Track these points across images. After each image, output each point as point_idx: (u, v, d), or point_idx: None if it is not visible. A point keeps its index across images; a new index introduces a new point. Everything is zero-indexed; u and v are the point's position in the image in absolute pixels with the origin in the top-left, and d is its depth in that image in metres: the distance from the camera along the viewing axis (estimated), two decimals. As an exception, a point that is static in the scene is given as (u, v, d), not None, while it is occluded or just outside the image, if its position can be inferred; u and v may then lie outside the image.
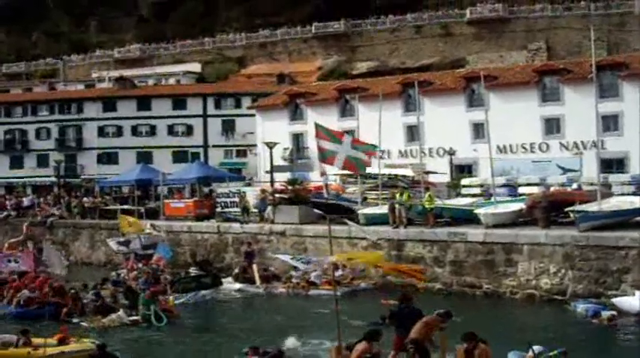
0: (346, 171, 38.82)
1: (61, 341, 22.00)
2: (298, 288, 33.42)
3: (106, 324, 26.93)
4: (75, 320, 27.51)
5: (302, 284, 33.55)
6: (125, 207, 49.41)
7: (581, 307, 26.31)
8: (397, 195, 35.23)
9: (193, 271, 36.76)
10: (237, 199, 42.52)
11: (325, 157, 23.19)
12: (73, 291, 30.19)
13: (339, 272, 33.67)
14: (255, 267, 35.95)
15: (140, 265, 36.46)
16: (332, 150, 23.07)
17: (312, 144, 61.96)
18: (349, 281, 33.24)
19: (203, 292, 33.36)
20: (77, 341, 22.29)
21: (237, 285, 34.89)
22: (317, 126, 23.42)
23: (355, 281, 33.59)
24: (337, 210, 24.77)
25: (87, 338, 22.63)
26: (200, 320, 29.24)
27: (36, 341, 22.04)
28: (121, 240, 40.00)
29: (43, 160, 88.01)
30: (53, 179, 77.08)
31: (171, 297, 29.29)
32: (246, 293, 34.02)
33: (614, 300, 26.49)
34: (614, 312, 25.14)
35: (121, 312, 27.89)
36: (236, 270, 36.75)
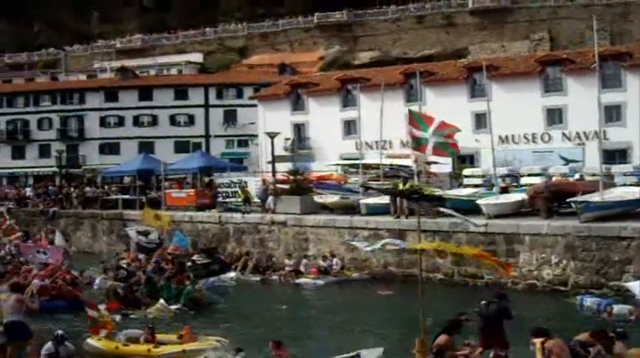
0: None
1: (182, 338, 21.11)
2: (288, 276, 34.24)
3: (154, 314, 26.93)
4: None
5: (291, 272, 34.37)
6: (126, 197, 49.51)
7: (589, 300, 25.56)
8: (400, 185, 35.13)
9: (198, 259, 36.82)
10: (237, 189, 42.54)
11: (419, 145, 22.99)
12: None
13: (326, 263, 34.20)
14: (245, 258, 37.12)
15: (141, 256, 36.59)
16: (424, 137, 22.81)
17: (313, 134, 61.98)
18: (338, 271, 34.04)
19: (212, 279, 33.64)
20: (199, 338, 21.15)
21: (232, 274, 35.23)
22: (410, 112, 23.17)
23: (347, 272, 34.04)
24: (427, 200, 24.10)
25: (210, 336, 21.44)
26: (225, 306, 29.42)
27: (159, 337, 21.45)
28: (140, 229, 40.35)
29: (45, 150, 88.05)
30: (55, 169, 77.22)
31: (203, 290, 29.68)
32: (242, 281, 34.49)
33: (628, 284, 26.05)
34: (629, 307, 24.28)
35: (162, 301, 27.84)
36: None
